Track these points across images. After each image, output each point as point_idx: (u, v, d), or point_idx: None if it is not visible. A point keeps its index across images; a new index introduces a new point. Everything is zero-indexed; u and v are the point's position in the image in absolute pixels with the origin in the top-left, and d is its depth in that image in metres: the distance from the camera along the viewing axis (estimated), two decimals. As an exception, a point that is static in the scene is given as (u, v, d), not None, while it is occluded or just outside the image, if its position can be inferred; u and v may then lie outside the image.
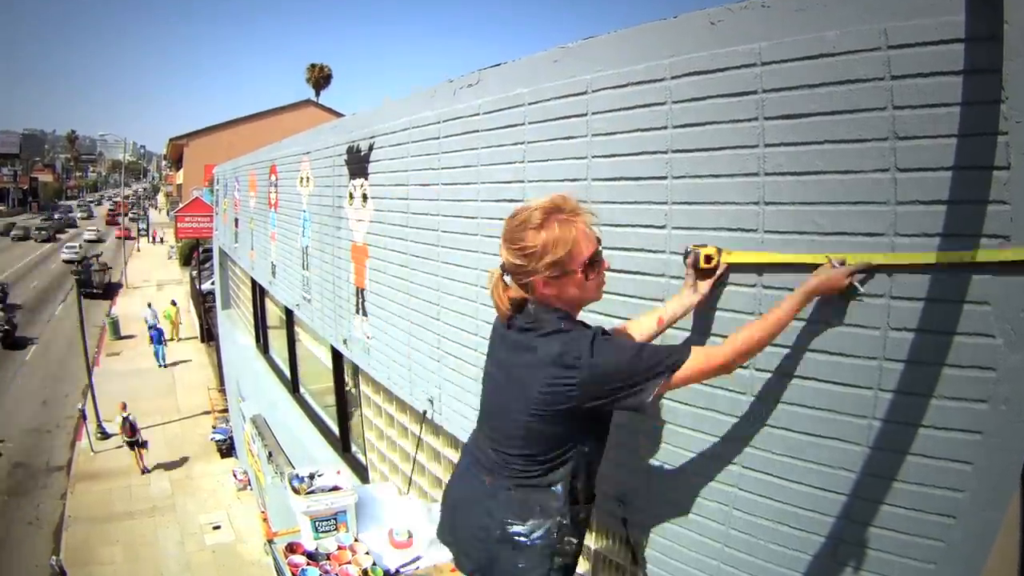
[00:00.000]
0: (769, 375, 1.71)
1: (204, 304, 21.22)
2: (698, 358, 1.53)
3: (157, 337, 19.90)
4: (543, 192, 2.42)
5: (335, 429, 5.91)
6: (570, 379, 1.52)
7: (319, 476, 3.06)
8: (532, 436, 1.62)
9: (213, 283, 15.95)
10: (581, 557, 2.07)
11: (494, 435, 1.72)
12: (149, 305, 21.77)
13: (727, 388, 1.80)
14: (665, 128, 1.92)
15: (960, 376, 1.40)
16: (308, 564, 2.67)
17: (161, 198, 78.92)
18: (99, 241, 36.64)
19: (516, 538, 1.65)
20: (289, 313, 6.98)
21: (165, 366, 19.51)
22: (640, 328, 1.85)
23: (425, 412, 3.47)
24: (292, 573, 2.60)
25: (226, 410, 14.94)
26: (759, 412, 1.74)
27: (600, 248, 1.64)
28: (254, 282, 8.94)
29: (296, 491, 2.92)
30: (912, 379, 1.46)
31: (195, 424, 15.72)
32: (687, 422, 1.94)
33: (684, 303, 1.82)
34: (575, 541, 1.69)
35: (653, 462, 2.07)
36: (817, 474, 1.63)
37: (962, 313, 1.39)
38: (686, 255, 1.81)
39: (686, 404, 1.93)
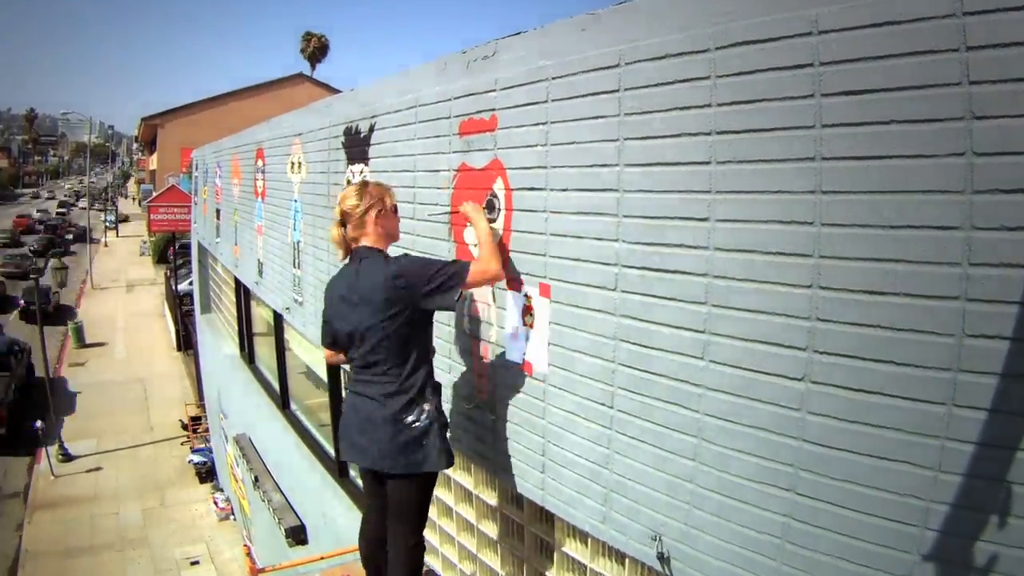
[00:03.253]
0: (826, 388, 1.73)
1: (181, 307, 21.53)
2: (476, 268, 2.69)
3: None
4: (567, 180, 2.46)
5: (331, 451, 5.98)
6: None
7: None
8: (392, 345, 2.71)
9: (191, 283, 16.18)
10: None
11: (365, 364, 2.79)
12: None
13: (777, 403, 1.83)
14: (708, 106, 1.96)
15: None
16: None
17: (132, 186, 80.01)
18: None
19: (413, 426, 2.71)
20: (278, 318, 7.08)
21: None
22: None
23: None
24: None
25: (205, 428, 15.14)
26: (815, 431, 1.77)
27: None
28: (238, 282, 9.08)
29: None
30: (992, 394, 1.48)
31: (170, 445, 15.96)
32: (731, 442, 1.97)
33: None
34: (444, 414, 2.85)
35: (693, 489, 2.10)
36: (882, 503, 1.66)
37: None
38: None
39: (728, 420, 1.96)
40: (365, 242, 2.83)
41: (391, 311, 2.65)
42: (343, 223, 2.85)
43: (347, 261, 2.88)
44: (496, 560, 3.48)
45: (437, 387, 2.84)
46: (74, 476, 14.48)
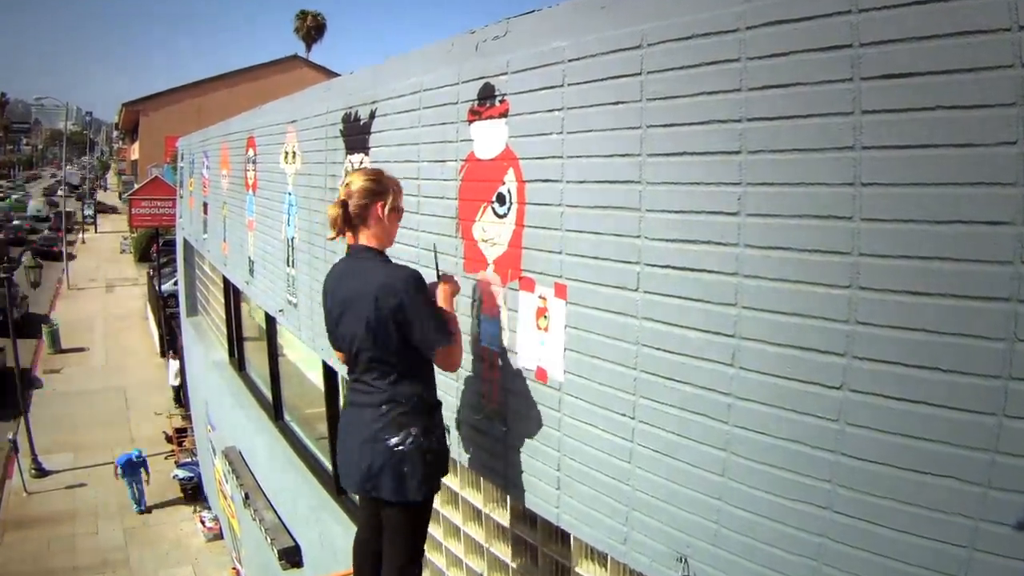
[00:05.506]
0: (865, 397, 1.75)
1: (165, 309, 21.67)
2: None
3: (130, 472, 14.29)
4: (585, 170, 2.48)
5: (328, 466, 6.02)
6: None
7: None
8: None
9: (176, 283, 16.30)
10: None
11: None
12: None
13: (812, 414, 1.85)
14: (738, 91, 1.97)
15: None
16: None
17: (112, 177, 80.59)
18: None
19: (395, 449, 2.69)
20: (271, 321, 7.13)
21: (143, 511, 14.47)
22: None
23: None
24: None
25: (191, 441, 15.23)
26: (853, 444, 1.78)
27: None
28: (227, 282, 9.15)
29: None
30: (1046, 403, 1.49)
31: (153, 459, 16.04)
32: (762, 456, 1.99)
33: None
34: (437, 438, 2.84)
35: (721, 506, 2.12)
36: (927, 522, 1.67)
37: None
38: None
39: (762, 433, 1.98)
40: (361, 239, 2.86)
41: (379, 320, 2.67)
42: (344, 204, 2.82)
43: (345, 256, 2.92)
44: (507, 585, 3.50)
45: (432, 407, 2.86)
46: (49, 493, 14.63)
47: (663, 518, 2.32)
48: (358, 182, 2.83)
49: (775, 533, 1.98)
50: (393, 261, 2.87)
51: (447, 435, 3.41)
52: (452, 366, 2.86)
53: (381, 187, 2.85)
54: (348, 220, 2.83)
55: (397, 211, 2.92)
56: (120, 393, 19.91)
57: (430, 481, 2.81)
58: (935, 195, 1.61)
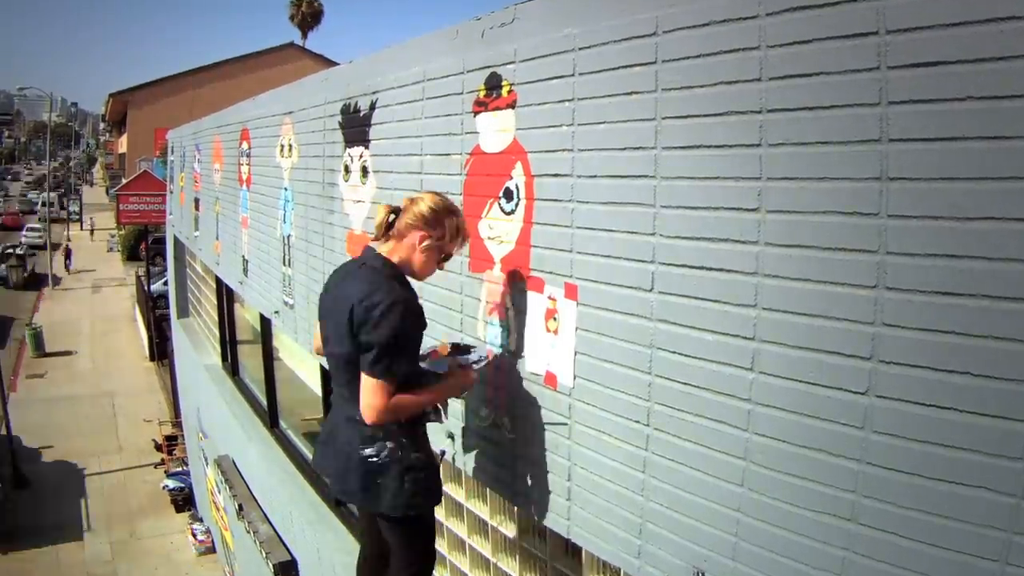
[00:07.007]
0: (892, 403, 1.75)
1: (154, 311, 21.74)
2: (390, 398, 2.57)
3: None
4: (597, 165, 2.49)
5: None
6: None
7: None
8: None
9: (166, 284, 16.34)
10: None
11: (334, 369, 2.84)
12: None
13: (836, 421, 1.85)
14: (758, 80, 1.98)
15: None
16: None
17: (98, 171, 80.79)
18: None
19: (369, 460, 2.70)
20: (266, 323, 7.15)
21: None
22: None
23: (443, 452, 3.55)
24: None
25: (182, 449, 15.27)
26: (879, 452, 1.78)
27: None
28: (220, 282, 9.18)
29: None
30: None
31: (142, 469, 16.12)
32: (783, 465, 1.99)
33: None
34: (421, 455, 2.80)
35: (740, 518, 2.13)
36: (956, 534, 1.67)
37: None
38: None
39: (783, 441, 1.98)
40: (385, 248, 2.79)
41: (351, 333, 2.63)
42: (396, 212, 2.79)
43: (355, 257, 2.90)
44: (515, 601, 3.51)
45: (412, 421, 2.79)
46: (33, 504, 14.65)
47: (679, 530, 2.33)
48: (421, 204, 2.75)
49: (796, 546, 1.99)
50: (396, 281, 2.73)
51: (451, 447, 3.43)
52: (368, 409, 2.60)
53: (436, 222, 2.75)
54: (389, 228, 2.79)
55: (437, 251, 2.79)
56: (107, 399, 19.95)
57: (409, 498, 2.74)
58: (966, 190, 1.61)
